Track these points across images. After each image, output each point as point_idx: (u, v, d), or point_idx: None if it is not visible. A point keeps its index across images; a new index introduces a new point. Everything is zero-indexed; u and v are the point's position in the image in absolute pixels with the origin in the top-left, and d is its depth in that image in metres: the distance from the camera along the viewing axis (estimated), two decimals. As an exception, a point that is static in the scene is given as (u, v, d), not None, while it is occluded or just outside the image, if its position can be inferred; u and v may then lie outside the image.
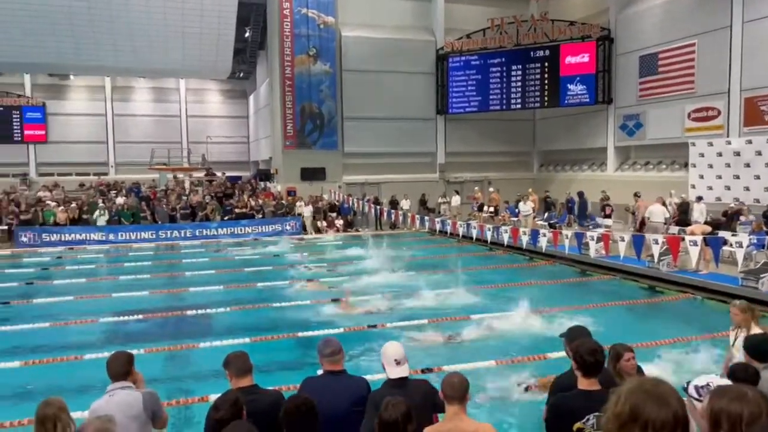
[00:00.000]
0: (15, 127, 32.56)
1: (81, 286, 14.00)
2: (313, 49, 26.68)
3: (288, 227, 23.76)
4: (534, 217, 22.02)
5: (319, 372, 4.12)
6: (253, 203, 24.81)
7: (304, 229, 23.99)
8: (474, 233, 19.66)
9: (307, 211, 24.09)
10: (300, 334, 9.38)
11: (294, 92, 26.64)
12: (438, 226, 21.42)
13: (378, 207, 24.52)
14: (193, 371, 8.18)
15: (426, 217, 22.41)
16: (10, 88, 32.60)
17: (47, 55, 27.85)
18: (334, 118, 27.30)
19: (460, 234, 20.53)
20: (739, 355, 5.42)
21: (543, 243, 16.28)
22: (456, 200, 25.95)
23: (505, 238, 17.83)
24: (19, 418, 5.78)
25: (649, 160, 23.65)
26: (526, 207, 21.81)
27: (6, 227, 20.98)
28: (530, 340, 9.23)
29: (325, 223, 24.63)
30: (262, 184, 29.71)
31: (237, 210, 24.17)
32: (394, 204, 25.34)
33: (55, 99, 33.67)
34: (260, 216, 24.10)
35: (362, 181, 27.89)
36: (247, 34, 31.31)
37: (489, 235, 18.72)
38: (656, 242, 13.28)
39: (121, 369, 3.80)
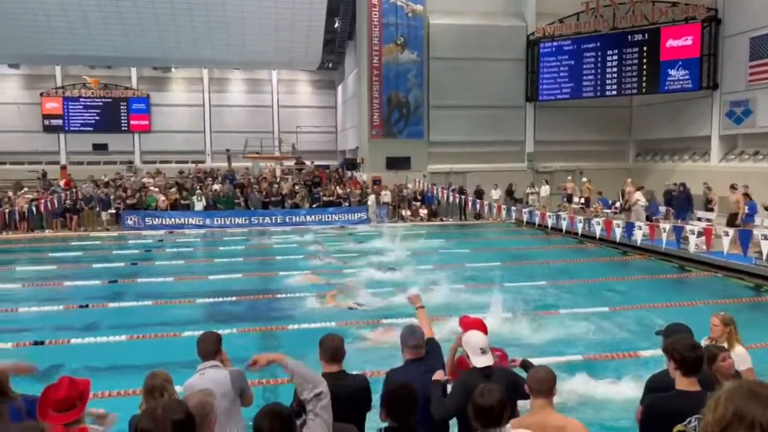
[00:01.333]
0: (122, 118, 34.93)
1: (180, 267, 14.86)
2: (401, 37, 26.72)
3: (373, 215, 24.05)
4: (629, 210, 20.93)
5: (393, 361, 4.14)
6: (340, 191, 25.30)
7: (392, 215, 24.19)
8: (564, 225, 19.05)
9: (370, 200, 24.16)
10: (384, 321, 9.50)
11: (381, 81, 26.82)
12: (525, 217, 20.96)
13: (462, 196, 24.29)
14: (282, 352, 8.45)
15: (513, 208, 21.98)
16: (118, 81, 34.96)
17: (152, 49, 29.69)
18: (421, 107, 27.26)
19: (549, 225, 19.97)
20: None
21: (638, 236, 15.53)
22: (545, 190, 25.19)
23: (597, 230, 17.16)
24: (126, 388, 6.23)
25: (758, 150, 21.90)
26: (642, 198, 19.99)
27: (114, 211, 22.57)
28: (621, 337, 8.87)
29: (408, 212, 24.71)
30: (348, 173, 30.21)
31: (324, 198, 24.76)
32: (479, 194, 25.00)
33: (158, 90, 35.75)
34: (346, 204, 24.56)
35: (447, 170, 27.71)
36: (336, 25, 31.78)
37: (580, 227, 18.09)
38: (765, 238, 12.33)
39: (211, 348, 3.95)
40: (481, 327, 4.10)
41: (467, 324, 4.17)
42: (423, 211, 24.73)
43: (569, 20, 26.30)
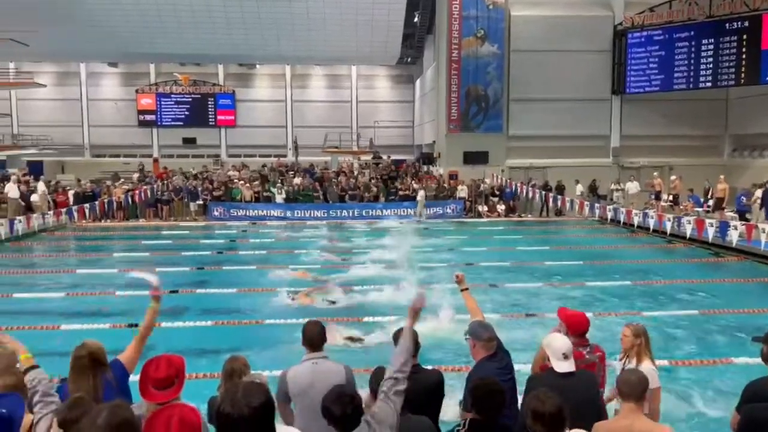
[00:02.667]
0: (210, 113, 36.51)
1: (262, 257, 15.36)
2: (481, 30, 26.35)
3: (449, 210, 23.90)
4: (723, 208, 19.68)
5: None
6: (416, 186, 25.31)
7: (466, 212, 23.97)
8: (651, 223, 18.20)
9: (420, 195, 23.92)
10: (458, 317, 9.40)
11: (460, 75, 26.58)
12: (610, 215, 20.22)
13: (544, 192, 23.65)
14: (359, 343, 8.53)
15: (596, 205, 21.23)
16: (206, 78, 36.54)
17: (238, 46, 30.80)
18: (500, 100, 26.79)
19: (635, 224, 19.13)
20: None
21: (734, 237, 14.59)
22: (633, 187, 24.02)
23: (688, 229, 16.27)
24: (210, 371, 6.51)
25: None
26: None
27: (202, 202, 23.66)
28: (712, 343, 8.38)
29: (485, 208, 24.36)
30: (424, 167, 30.18)
31: (401, 192, 24.86)
32: (560, 189, 24.29)
33: (243, 87, 37.09)
34: (423, 198, 24.52)
35: (527, 165, 27.10)
36: (415, 19, 31.76)
37: (668, 226, 17.22)
38: None
39: (320, 338, 3.78)
40: (583, 320, 3.99)
41: (567, 316, 4.05)
42: (500, 207, 24.31)
43: (660, 9, 25.00)
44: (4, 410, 2.50)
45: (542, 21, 26.34)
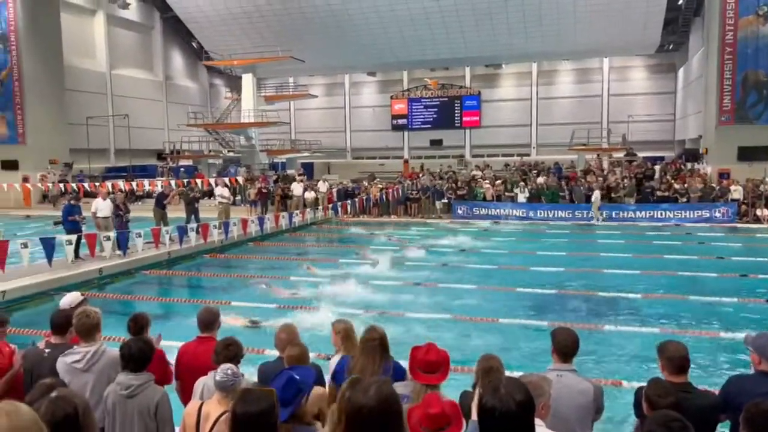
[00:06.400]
0: (456, 115, 37.77)
1: (503, 256, 15.36)
2: (764, 7, 22.70)
3: (718, 214, 21.01)
4: None
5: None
6: (677, 186, 22.81)
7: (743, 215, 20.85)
8: None
9: (594, 195, 20.80)
10: (722, 334, 8.23)
11: (735, 60, 23.24)
12: None
13: None
14: (597, 352, 7.97)
15: None
16: (453, 81, 37.88)
17: (485, 48, 31.33)
18: (789, 86, 22.76)
19: None
20: None
21: None
22: None
23: None
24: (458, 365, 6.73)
25: None
26: None
27: (446, 200, 24.59)
28: None
29: (766, 211, 20.86)
30: (688, 164, 27.09)
31: (658, 192, 22.64)
32: None
33: (488, 87, 37.55)
34: (684, 200, 21.99)
35: (827, 162, 22.55)
36: (680, 2, 28.63)
37: None
38: None
39: (574, 349, 3.57)
40: None
41: None
42: (785, 212, 20.60)
43: None
44: (297, 376, 2.70)
45: None
